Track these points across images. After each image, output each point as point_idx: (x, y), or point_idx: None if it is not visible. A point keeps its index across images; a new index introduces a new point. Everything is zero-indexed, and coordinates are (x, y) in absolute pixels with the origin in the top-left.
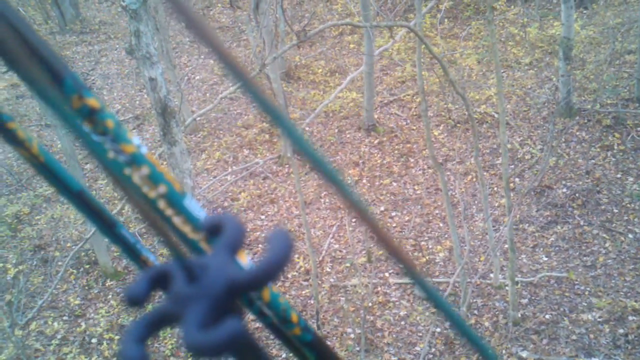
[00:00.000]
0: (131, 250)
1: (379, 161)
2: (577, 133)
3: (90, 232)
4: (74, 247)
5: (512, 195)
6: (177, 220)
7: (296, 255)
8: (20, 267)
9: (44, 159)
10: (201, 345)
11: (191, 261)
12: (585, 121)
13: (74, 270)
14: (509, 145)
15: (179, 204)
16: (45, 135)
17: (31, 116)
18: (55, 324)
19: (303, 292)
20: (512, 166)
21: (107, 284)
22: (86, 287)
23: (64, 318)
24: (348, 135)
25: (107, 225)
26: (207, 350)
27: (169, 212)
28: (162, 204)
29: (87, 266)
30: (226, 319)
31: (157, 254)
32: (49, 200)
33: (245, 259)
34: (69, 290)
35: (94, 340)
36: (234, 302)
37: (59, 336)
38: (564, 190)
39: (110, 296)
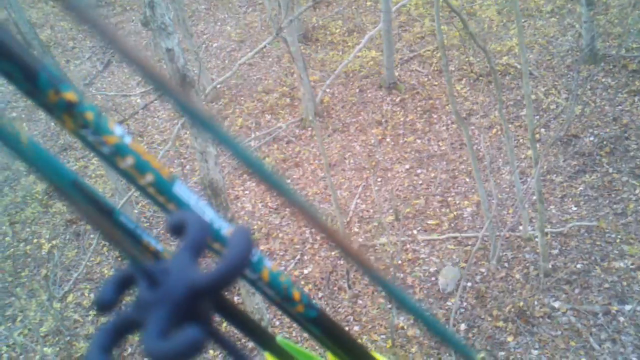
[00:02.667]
0: (132, 236)
1: (401, 119)
2: (603, 80)
3: (119, 204)
4: None
5: (538, 146)
6: (170, 207)
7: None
8: (54, 242)
9: (34, 152)
10: (158, 354)
11: (152, 266)
12: (611, 67)
13: (106, 243)
14: (533, 96)
15: (168, 191)
16: None
17: None
18: (92, 295)
19: (332, 253)
20: (537, 117)
21: None
22: (119, 258)
23: (100, 289)
24: (369, 95)
25: (104, 212)
26: (164, 359)
27: (160, 199)
28: (152, 191)
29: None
30: (186, 327)
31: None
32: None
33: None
34: (102, 262)
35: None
36: (196, 306)
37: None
38: (591, 138)
39: None
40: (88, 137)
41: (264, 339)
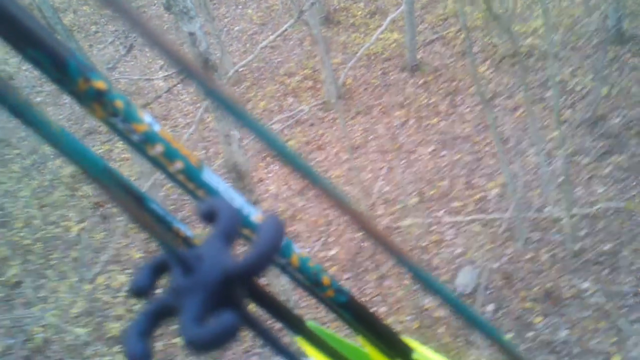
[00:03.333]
0: (162, 223)
1: (425, 101)
2: (630, 60)
3: (144, 187)
4: None
5: (564, 127)
6: (200, 194)
7: (348, 199)
8: (82, 225)
9: (65, 140)
10: (196, 340)
11: (186, 252)
12: (638, 48)
13: (133, 225)
14: (558, 77)
15: (197, 178)
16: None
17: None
18: (121, 277)
19: (357, 235)
20: (563, 98)
21: None
22: (145, 241)
23: (128, 271)
24: (392, 77)
25: (135, 199)
26: (202, 345)
27: (190, 186)
28: (181, 178)
29: None
30: (222, 313)
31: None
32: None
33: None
34: (130, 244)
35: (158, 291)
36: (230, 292)
37: (125, 288)
38: (619, 119)
39: None
40: (118, 125)
41: (295, 323)
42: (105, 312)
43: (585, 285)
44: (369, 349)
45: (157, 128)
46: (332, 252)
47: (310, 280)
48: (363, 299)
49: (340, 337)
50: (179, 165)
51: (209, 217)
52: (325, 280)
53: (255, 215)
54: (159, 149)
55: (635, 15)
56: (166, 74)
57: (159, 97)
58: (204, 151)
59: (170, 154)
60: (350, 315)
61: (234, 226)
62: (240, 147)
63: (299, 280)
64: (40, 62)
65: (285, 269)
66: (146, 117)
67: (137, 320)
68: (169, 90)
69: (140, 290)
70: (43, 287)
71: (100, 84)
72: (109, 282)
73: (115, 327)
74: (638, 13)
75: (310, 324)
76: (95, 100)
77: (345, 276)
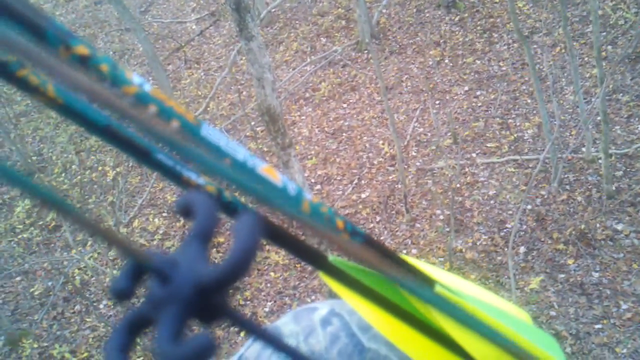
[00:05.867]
0: (171, 173)
1: (460, 39)
2: None
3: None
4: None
5: (604, 64)
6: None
7: (380, 141)
8: (118, 169)
9: (63, 100)
10: (169, 358)
11: (161, 260)
12: None
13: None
14: (600, 11)
15: (196, 135)
16: (127, 40)
17: (111, 21)
18: (156, 220)
19: (390, 178)
20: (604, 33)
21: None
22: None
23: (163, 214)
24: (427, 14)
25: (142, 153)
26: None
27: (189, 144)
28: (179, 138)
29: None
30: (197, 334)
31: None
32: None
33: (276, 176)
34: (165, 188)
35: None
36: (208, 301)
37: (160, 231)
38: None
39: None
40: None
41: (317, 259)
42: None
43: (620, 226)
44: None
45: (147, 88)
46: (364, 195)
47: (323, 226)
48: (395, 241)
49: (363, 268)
50: (175, 124)
51: (185, 212)
52: (340, 223)
53: (261, 167)
54: (152, 109)
55: None
56: (198, 16)
57: (192, 40)
58: (236, 94)
59: (165, 113)
60: None
61: (210, 226)
62: (273, 90)
63: (313, 226)
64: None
65: (296, 217)
66: (135, 79)
67: (115, 335)
68: (201, 34)
69: (120, 294)
70: (81, 230)
71: (82, 49)
72: (145, 225)
73: None
74: None
75: (333, 258)
76: (80, 66)
77: (377, 219)
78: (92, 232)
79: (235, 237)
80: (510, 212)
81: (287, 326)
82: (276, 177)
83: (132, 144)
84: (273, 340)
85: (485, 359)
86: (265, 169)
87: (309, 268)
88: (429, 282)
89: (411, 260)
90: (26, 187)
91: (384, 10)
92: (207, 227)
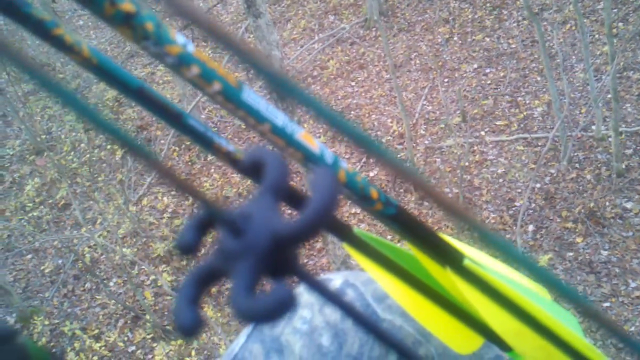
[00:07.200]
0: (202, 139)
1: (469, 16)
2: None
3: (187, 109)
4: None
5: (615, 41)
6: (240, 114)
7: (389, 120)
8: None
9: (97, 60)
10: (248, 312)
11: (233, 213)
12: None
13: (176, 148)
14: None
15: (236, 98)
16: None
17: None
18: (165, 198)
19: (398, 156)
20: (615, 10)
21: (208, 159)
22: (189, 163)
23: (172, 193)
24: None
25: (173, 117)
26: (253, 317)
27: (229, 107)
28: (220, 100)
29: (189, 143)
30: (276, 286)
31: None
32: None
33: (314, 142)
34: (174, 166)
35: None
36: (283, 256)
37: (169, 210)
38: None
39: (212, 170)
40: (151, 48)
41: (342, 230)
42: (150, 233)
43: (629, 205)
44: (418, 256)
45: (191, 49)
46: (372, 174)
47: (357, 195)
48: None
49: (388, 242)
50: (217, 86)
51: (254, 169)
52: (374, 193)
53: (299, 133)
54: (194, 70)
55: None
56: None
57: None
58: (244, 72)
59: (207, 75)
60: (399, 226)
61: (284, 181)
62: (281, 67)
63: (347, 195)
64: None
65: None
66: (179, 38)
67: (185, 287)
68: (208, 11)
69: (186, 249)
70: (90, 209)
71: (127, 6)
72: (153, 203)
73: (159, 247)
74: None
75: (358, 230)
76: (125, 23)
77: None
78: (169, 182)
79: (314, 191)
80: (519, 190)
81: (301, 296)
82: (314, 144)
83: (164, 107)
84: (339, 302)
85: (507, 333)
86: (303, 135)
87: (318, 246)
88: (459, 255)
89: (442, 234)
90: (113, 132)
91: None
92: (279, 181)
